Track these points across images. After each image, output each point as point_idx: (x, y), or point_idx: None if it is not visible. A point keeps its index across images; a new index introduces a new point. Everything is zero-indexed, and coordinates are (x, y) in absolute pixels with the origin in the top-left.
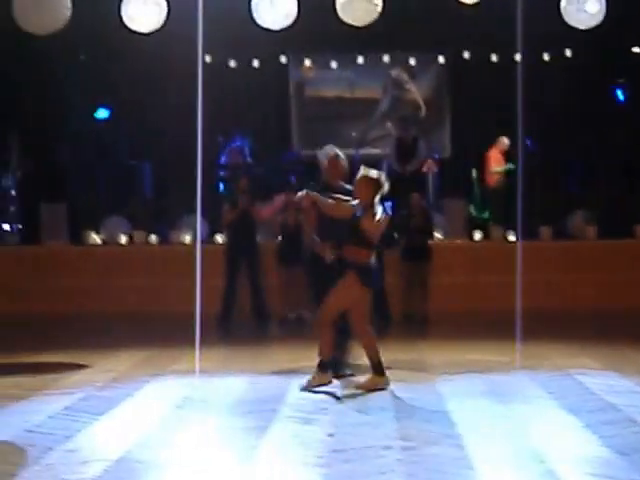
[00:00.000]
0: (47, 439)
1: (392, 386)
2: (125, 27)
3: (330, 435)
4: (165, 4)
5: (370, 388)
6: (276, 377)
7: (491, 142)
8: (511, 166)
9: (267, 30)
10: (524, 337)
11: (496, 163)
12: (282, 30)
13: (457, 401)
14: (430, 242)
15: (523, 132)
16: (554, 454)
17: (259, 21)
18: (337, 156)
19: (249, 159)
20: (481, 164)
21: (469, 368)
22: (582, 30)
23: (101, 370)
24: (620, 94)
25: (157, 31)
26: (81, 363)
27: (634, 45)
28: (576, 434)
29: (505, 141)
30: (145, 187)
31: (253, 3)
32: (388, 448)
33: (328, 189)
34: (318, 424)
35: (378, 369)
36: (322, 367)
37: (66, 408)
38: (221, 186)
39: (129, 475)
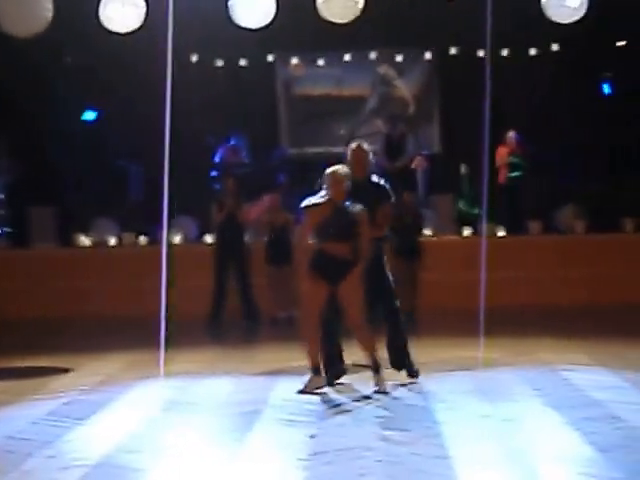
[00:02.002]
0: (27, 445)
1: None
2: (104, 28)
3: (312, 436)
4: (144, 4)
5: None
6: (261, 378)
7: (480, 137)
8: (515, 160)
9: (246, 29)
10: (511, 333)
11: (501, 158)
12: (265, 28)
13: (442, 399)
14: (421, 239)
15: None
16: (536, 452)
17: (236, 20)
18: (360, 148)
19: (245, 158)
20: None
21: (456, 366)
22: (567, 24)
23: (88, 374)
24: (607, 88)
25: (138, 31)
26: (69, 367)
27: (619, 39)
28: (559, 431)
29: (512, 135)
30: (134, 188)
31: (230, 2)
32: (369, 449)
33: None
34: (301, 426)
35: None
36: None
37: (50, 413)
38: (217, 186)
39: None
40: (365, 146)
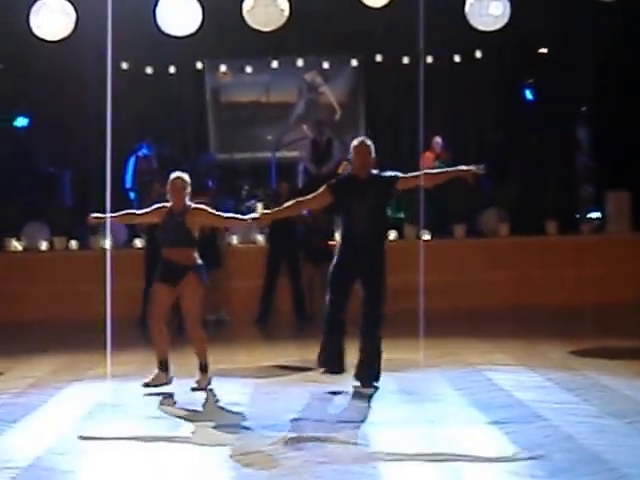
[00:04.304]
0: None
1: (303, 387)
2: (34, 35)
3: (239, 438)
4: (74, 12)
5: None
6: (189, 380)
7: (404, 143)
8: (441, 165)
9: (172, 37)
10: (437, 335)
11: (427, 163)
12: (194, 36)
13: (367, 400)
14: (332, 243)
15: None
16: (460, 452)
17: (162, 28)
18: (362, 144)
19: (155, 166)
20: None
21: (381, 367)
22: (490, 32)
23: (18, 377)
24: (529, 94)
25: (68, 38)
26: None
27: (541, 46)
28: (482, 431)
29: (438, 140)
30: (65, 193)
31: (157, 10)
32: (296, 450)
33: (355, 181)
34: (227, 427)
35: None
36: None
37: None
38: (131, 195)
39: None
40: (367, 142)
